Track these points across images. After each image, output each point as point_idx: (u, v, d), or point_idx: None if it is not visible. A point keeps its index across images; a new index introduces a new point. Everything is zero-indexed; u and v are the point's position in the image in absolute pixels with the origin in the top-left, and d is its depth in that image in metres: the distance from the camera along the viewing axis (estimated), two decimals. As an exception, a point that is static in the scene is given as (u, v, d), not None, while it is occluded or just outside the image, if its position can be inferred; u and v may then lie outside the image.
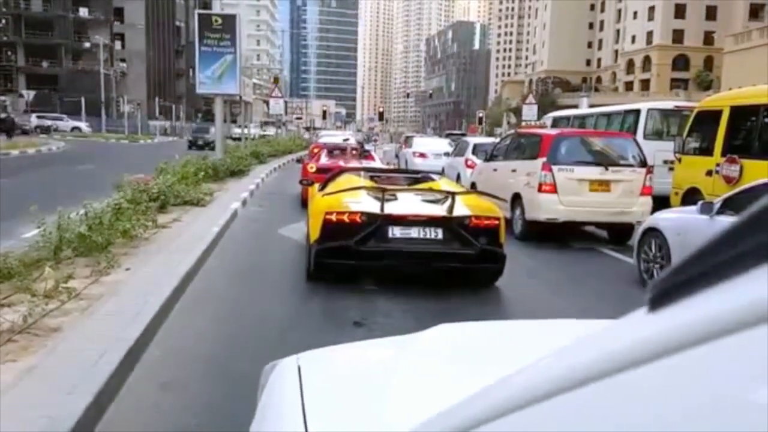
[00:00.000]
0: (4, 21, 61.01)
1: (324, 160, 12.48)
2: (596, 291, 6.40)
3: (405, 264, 5.69)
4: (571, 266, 7.57)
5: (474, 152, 14.65)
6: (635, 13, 79.11)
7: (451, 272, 5.92)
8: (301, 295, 5.72)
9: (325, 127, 70.15)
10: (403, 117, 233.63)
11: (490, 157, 10.82)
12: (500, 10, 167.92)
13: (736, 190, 6.06)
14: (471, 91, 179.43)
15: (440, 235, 5.59)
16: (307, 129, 69.02)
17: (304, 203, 9.92)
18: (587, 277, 7.06)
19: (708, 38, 73.18)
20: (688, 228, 5.98)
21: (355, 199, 5.74)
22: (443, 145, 21.39)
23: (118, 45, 65.42)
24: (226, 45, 17.47)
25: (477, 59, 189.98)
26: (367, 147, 17.62)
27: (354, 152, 13.51)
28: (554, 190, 8.46)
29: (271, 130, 48.31)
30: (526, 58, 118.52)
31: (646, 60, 77.66)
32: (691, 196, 9.13)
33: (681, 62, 75.62)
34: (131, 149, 34.15)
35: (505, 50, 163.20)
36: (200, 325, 4.78)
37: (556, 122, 17.31)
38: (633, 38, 79.91)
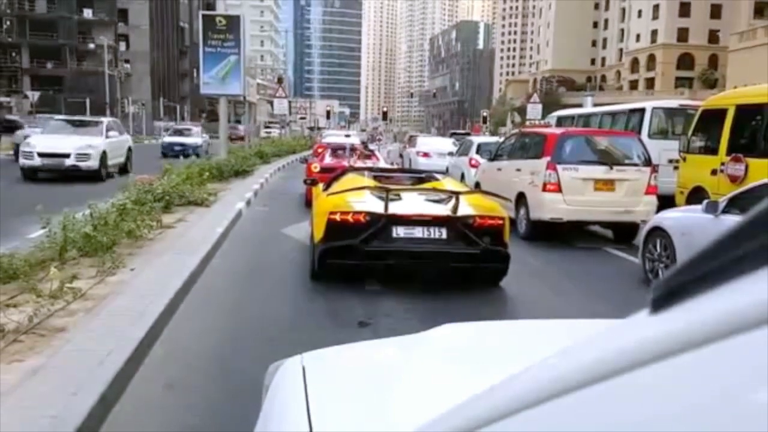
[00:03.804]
0: (8, 22, 61.24)
1: (328, 159, 12.50)
2: (601, 291, 6.38)
3: (409, 264, 5.69)
4: (575, 266, 7.55)
5: (478, 152, 14.64)
6: (639, 12, 78.88)
7: (455, 272, 5.92)
8: (305, 295, 5.72)
9: (329, 126, 70.12)
10: (407, 116, 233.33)
11: (495, 157, 10.80)
12: (504, 10, 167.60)
13: (742, 189, 6.04)
14: (475, 91, 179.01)
15: (444, 235, 5.58)
16: (311, 129, 68.96)
17: (308, 203, 9.93)
18: (592, 276, 7.04)
19: (713, 36, 72.87)
20: (693, 227, 5.96)
21: (360, 198, 5.74)
22: (447, 144, 21.37)
23: (122, 46, 65.58)
24: (230, 45, 17.54)
25: (481, 59, 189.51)
26: (371, 146, 17.64)
27: (358, 152, 13.52)
28: (559, 189, 8.43)
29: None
30: (530, 57, 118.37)
31: (651, 59, 77.42)
32: (696, 195, 9.11)
33: (686, 61, 75.39)
34: (135, 150, 34.12)
35: (509, 49, 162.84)
36: (204, 325, 4.79)
37: (560, 121, 17.24)
38: (637, 37, 79.68)
